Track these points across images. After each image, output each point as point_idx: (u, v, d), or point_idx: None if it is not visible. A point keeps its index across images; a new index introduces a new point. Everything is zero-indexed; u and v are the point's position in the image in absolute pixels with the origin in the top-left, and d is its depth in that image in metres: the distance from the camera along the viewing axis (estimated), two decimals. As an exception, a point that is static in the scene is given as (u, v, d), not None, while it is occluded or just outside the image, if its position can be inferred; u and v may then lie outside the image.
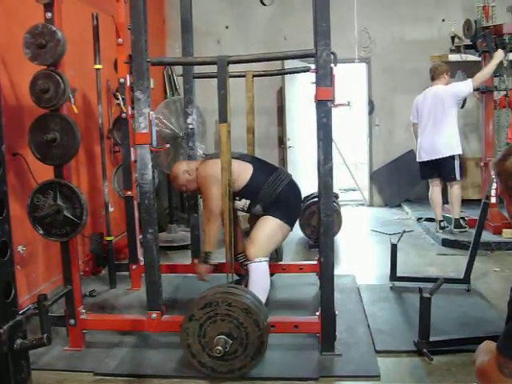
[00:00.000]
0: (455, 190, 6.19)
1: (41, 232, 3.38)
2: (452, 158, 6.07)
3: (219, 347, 2.96)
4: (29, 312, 3.82)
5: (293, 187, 4.05)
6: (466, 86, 5.94)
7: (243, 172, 3.92)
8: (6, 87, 3.91)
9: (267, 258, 3.85)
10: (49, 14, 3.19)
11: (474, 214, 6.47)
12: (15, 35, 3.28)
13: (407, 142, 8.23)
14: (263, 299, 3.65)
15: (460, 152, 6.13)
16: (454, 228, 6.14)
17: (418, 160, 6.39)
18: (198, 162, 4.21)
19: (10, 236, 1.56)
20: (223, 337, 3.00)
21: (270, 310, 3.99)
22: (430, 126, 6.13)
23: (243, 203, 4.00)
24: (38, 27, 3.16)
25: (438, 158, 6.11)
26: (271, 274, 4.56)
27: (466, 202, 7.59)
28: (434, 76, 6.23)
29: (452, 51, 7.41)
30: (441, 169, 6.21)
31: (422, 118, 6.25)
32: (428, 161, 6.22)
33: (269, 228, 3.86)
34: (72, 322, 3.52)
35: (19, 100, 4.09)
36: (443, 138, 6.06)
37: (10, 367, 1.54)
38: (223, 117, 3.30)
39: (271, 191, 3.89)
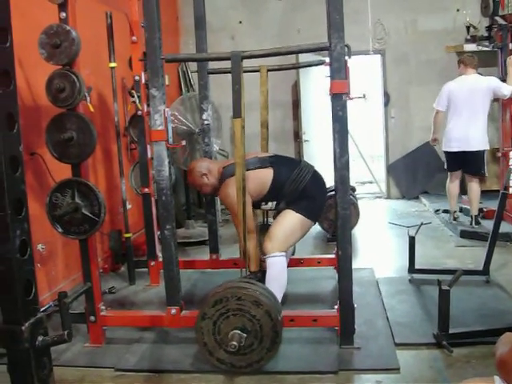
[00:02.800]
0: (475, 186, 6.05)
1: (60, 230, 3.41)
2: (483, 152, 5.92)
3: (234, 342, 2.97)
4: (50, 309, 3.88)
5: (316, 180, 3.98)
6: (506, 91, 5.73)
7: (265, 181, 3.87)
8: (22, 88, 3.95)
9: (283, 253, 3.81)
10: (63, 14, 3.22)
11: (492, 204, 6.44)
12: (30, 36, 3.30)
13: (424, 134, 8.17)
14: (280, 294, 3.66)
15: (488, 147, 5.99)
16: (475, 225, 6.01)
17: (445, 150, 6.15)
18: (219, 165, 4.12)
19: (29, 235, 1.58)
20: (237, 331, 3.01)
21: (289, 304, 4.01)
22: (466, 117, 5.85)
23: (270, 205, 4.00)
24: (53, 27, 3.18)
25: (469, 150, 5.90)
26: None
27: (484, 193, 7.54)
28: (471, 64, 5.92)
29: (467, 41, 7.34)
30: (470, 162, 6.00)
31: (457, 107, 5.92)
32: (458, 152, 5.98)
33: (288, 223, 3.83)
34: (92, 318, 3.55)
35: (36, 100, 4.13)
36: (478, 131, 5.85)
37: (32, 364, 1.56)
38: (237, 112, 3.31)
39: (294, 188, 3.84)
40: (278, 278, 3.75)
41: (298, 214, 3.83)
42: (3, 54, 1.48)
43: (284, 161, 4.10)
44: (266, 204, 3.99)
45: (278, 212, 4.03)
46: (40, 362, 1.59)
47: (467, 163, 6.04)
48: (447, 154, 6.19)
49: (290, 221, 3.84)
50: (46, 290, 4.24)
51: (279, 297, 3.60)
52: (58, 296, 3.14)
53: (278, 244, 3.77)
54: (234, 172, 3.47)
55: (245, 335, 3.01)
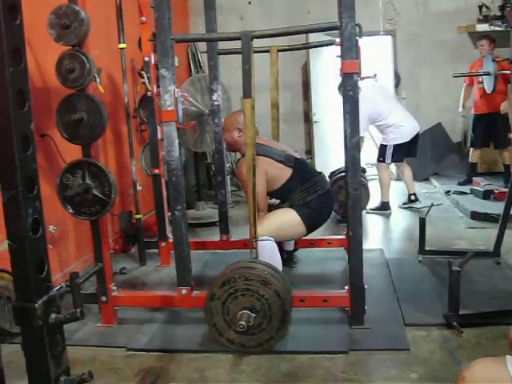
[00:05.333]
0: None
1: (71, 211, 3.43)
2: None
3: (242, 322, 2.98)
4: (61, 290, 3.91)
5: (326, 198, 3.97)
6: None
7: (281, 177, 3.86)
8: (32, 68, 3.94)
9: (272, 238, 3.72)
10: (72, -6, 3.21)
11: (502, 186, 6.42)
12: (39, 17, 3.30)
13: (434, 115, 8.13)
14: None
15: None
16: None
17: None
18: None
19: (41, 213, 1.59)
20: (246, 311, 3.02)
21: (299, 284, 4.02)
22: None
23: (273, 201, 3.99)
24: (62, 8, 3.17)
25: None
26: (295, 250, 4.58)
27: (494, 174, 7.51)
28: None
29: (479, 21, 7.26)
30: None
31: None
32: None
33: (286, 217, 3.80)
34: (104, 298, 3.58)
35: (46, 81, 4.13)
36: None
37: (45, 341, 1.57)
38: (247, 92, 3.28)
39: (302, 197, 3.82)
40: (271, 259, 3.56)
41: (298, 216, 3.80)
42: (13, 31, 1.47)
43: (305, 169, 4.05)
44: (271, 199, 3.99)
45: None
46: (53, 340, 1.61)
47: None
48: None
49: (288, 216, 3.82)
50: (57, 270, 4.27)
51: None
52: (69, 276, 3.16)
53: (269, 229, 3.70)
54: (258, 152, 3.47)
55: (253, 315, 3.02)
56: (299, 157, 4.09)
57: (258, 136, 3.73)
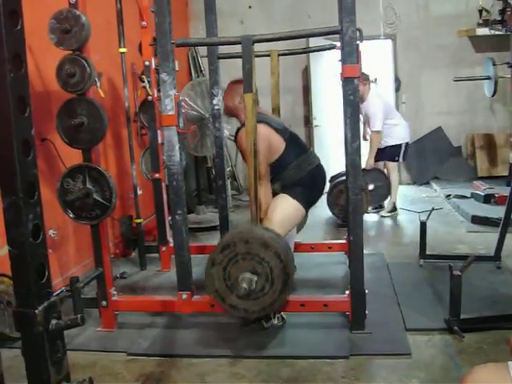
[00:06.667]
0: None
1: (71, 216, 3.43)
2: None
3: (244, 285, 2.91)
4: (62, 294, 3.90)
5: (317, 172, 3.91)
6: None
7: (277, 150, 3.75)
8: (32, 73, 3.94)
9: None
10: (73, -1, 3.21)
11: (503, 190, 6.41)
12: (40, 21, 3.30)
13: (435, 119, 8.14)
14: None
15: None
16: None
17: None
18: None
19: (42, 219, 1.58)
20: (247, 274, 2.96)
21: (300, 289, 4.02)
22: None
23: None
24: (63, 12, 3.18)
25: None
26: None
27: (495, 179, 7.51)
28: None
29: (480, 25, 7.25)
30: None
31: None
32: None
33: (284, 209, 3.72)
34: (104, 303, 3.57)
35: (46, 86, 4.13)
36: None
37: (46, 347, 1.57)
38: (248, 87, 3.23)
39: (292, 176, 3.77)
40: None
41: (293, 200, 3.72)
42: (14, 37, 1.47)
43: (298, 143, 3.97)
44: None
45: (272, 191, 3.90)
46: (54, 346, 1.60)
47: None
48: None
49: (286, 206, 3.72)
50: (57, 275, 4.26)
51: None
52: (69, 281, 3.16)
53: (277, 229, 3.68)
54: (262, 120, 3.46)
55: (255, 278, 2.96)
56: (292, 131, 3.98)
57: (257, 106, 3.65)
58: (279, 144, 3.75)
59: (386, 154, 6.44)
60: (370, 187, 6.19)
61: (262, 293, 3.02)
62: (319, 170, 3.93)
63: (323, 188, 4.04)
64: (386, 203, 6.60)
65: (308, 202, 3.85)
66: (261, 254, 2.97)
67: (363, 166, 5.81)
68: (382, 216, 6.46)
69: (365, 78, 5.73)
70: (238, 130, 3.81)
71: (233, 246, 3.00)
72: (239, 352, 3.26)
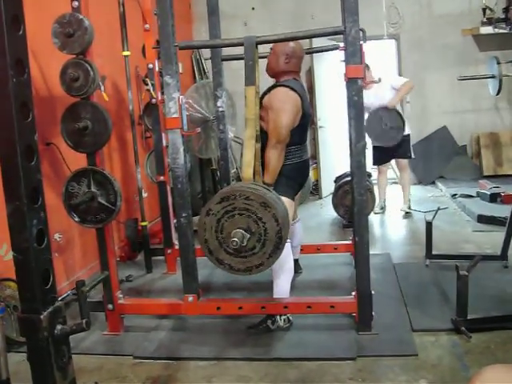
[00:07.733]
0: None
1: (76, 219, 3.43)
2: None
3: (236, 239, 2.78)
4: (68, 298, 3.91)
5: (302, 167, 3.78)
6: None
7: (295, 122, 3.56)
8: (36, 78, 3.96)
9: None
10: (75, 3, 3.21)
11: (509, 189, 6.39)
12: (43, 25, 3.30)
13: (439, 119, 8.12)
14: (287, 279, 3.59)
15: None
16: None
17: None
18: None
19: (46, 224, 1.58)
20: (240, 230, 2.83)
21: (306, 290, 4.02)
22: None
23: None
24: (66, 16, 3.18)
25: None
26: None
27: (500, 177, 7.48)
28: None
29: (484, 24, 7.22)
30: None
31: None
32: None
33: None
34: (110, 306, 3.57)
35: (50, 90, 4.13)
36: None
37: (51, 352, 1.57)
38: (250, 79, 3.18)
39: (288, 157, 3.61)
40: (281, 262, 3.44)
41: (285, 198, 3.48)
42: (16, 42, 1.47)
43: (304, 131, 3.80)
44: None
45: None
46: (59, 351, 1.60)
47: None
48: None
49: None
50: (63, 278, 4.27)
51: (287, 283, 3.57)
52: (75, 285, 3.16)
53: None
54: (293, 87, 3.46)
55: (248, 235, 2.83)
56: None
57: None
58: (298, 119, 3.61)
59: (401, 149, 6.29)
60: (386, 125, 5.99)
61: (252, 252, 2.88)
62: (304, 165, 3.82)
63: (303, 183, 3.89)
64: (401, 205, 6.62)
65: (291, 191, 3.69)
66: (259, 214, 2.83)
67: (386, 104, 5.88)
68: (404, 217, 6.45)
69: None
70: (270, 89, 3.66)
71: (232, 199, 2.86)
72: (246, 354, 3.26)
